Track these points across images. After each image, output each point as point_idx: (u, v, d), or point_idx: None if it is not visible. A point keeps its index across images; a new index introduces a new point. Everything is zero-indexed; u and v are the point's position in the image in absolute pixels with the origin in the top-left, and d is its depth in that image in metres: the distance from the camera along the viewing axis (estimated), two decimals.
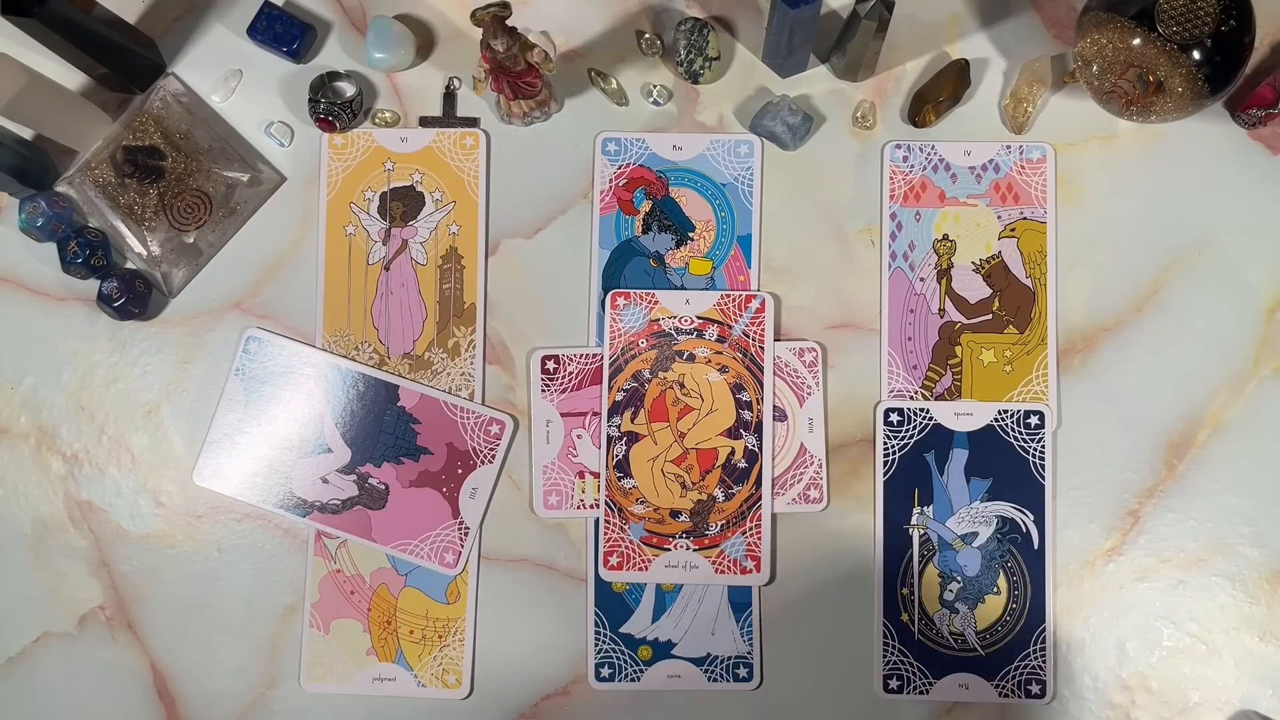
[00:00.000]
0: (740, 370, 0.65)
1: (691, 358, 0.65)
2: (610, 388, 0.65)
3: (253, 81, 0.69)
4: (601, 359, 0.65)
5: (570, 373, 0.66)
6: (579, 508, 0.65)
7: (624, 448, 0.65)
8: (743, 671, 0.64)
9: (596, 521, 0.65)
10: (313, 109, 0.66)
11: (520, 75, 0.63)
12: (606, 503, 0.64)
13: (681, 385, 0.65)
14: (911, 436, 0.65)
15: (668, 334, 0.65)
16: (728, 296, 0.65)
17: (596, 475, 0.65)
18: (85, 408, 0.67)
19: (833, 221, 0.67)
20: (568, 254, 0.67)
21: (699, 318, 0.65)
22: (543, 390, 0.66)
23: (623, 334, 0.65)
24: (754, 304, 0.65)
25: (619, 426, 0.65)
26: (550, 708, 0.64)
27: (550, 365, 0.66)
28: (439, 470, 0.65)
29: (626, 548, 0.64)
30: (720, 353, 0.65)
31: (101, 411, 0.67)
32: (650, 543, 0.64)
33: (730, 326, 0.65)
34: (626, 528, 0.64)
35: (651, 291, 0.65)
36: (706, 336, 0.65)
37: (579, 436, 0.65)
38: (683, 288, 0.66)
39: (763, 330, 0.65)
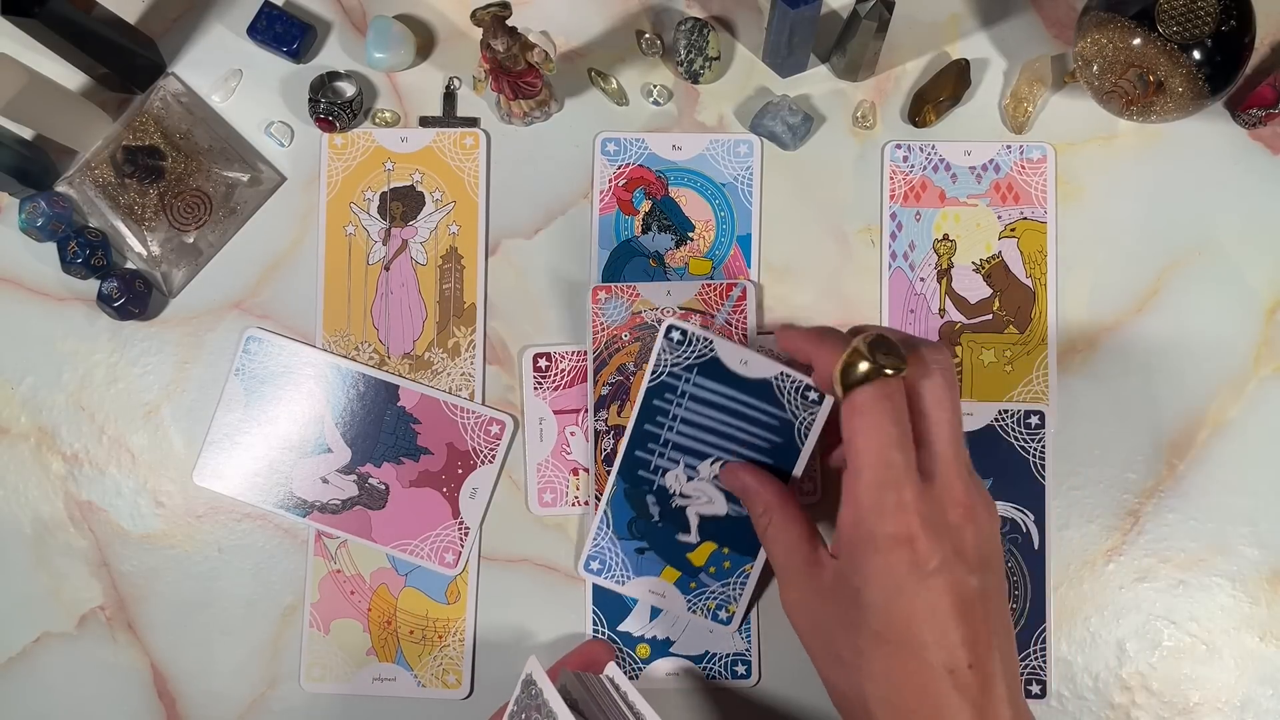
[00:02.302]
0: None
1: None
2: (595, 382, 0.65)
3: (253, 81, 0.69)
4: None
5: (562, 370, 0.66)
6: (573, 504, 0.65)
7: (612, 441, 0.65)
8: (741, 669, 0.64)
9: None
10: (313, 109, 0.67)
11: (520, 75, 0.63)
12: (596, 497, 0.64)
13: None
14: None
15: (651, 326, 0.65)
16: (709, 286, 0.65)
17: (589, 471, 0.65)
18: (85, 408, 0.67)
19: (833, 221, 0.67)
20: (568, 254, 0.67)
21: (681, 308, 0.65)
22: (535, 388, 0.66)
23: (605, 328, 0.65)
24: (735, 292, 0.65)
25: (605, 421, 0.65)
26: None
27: (542, 363, 0.66)
28: (439, 470, 0.66)
29: None
30: None
31: (101, 411, 0.67)
32: None
33: (713, 315, 0.65)
34: None
35: (633, 284, 0.65)
36: None
37: (572, 434, 0.65)
38: None
39: (745, 318, 0.65)
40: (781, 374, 0.55)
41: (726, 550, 0.59)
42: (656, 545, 0.59)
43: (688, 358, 0.57)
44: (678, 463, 0.58)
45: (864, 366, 0.47)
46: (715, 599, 0.59)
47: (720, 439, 0.57)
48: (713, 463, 0.57)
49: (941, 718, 0.45)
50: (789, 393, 0.55)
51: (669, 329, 0.57)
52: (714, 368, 0.56)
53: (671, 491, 0.59)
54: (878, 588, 0.46)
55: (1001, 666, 0.46)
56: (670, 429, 0.57)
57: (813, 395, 0.55)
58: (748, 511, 0.56)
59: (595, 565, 0.59)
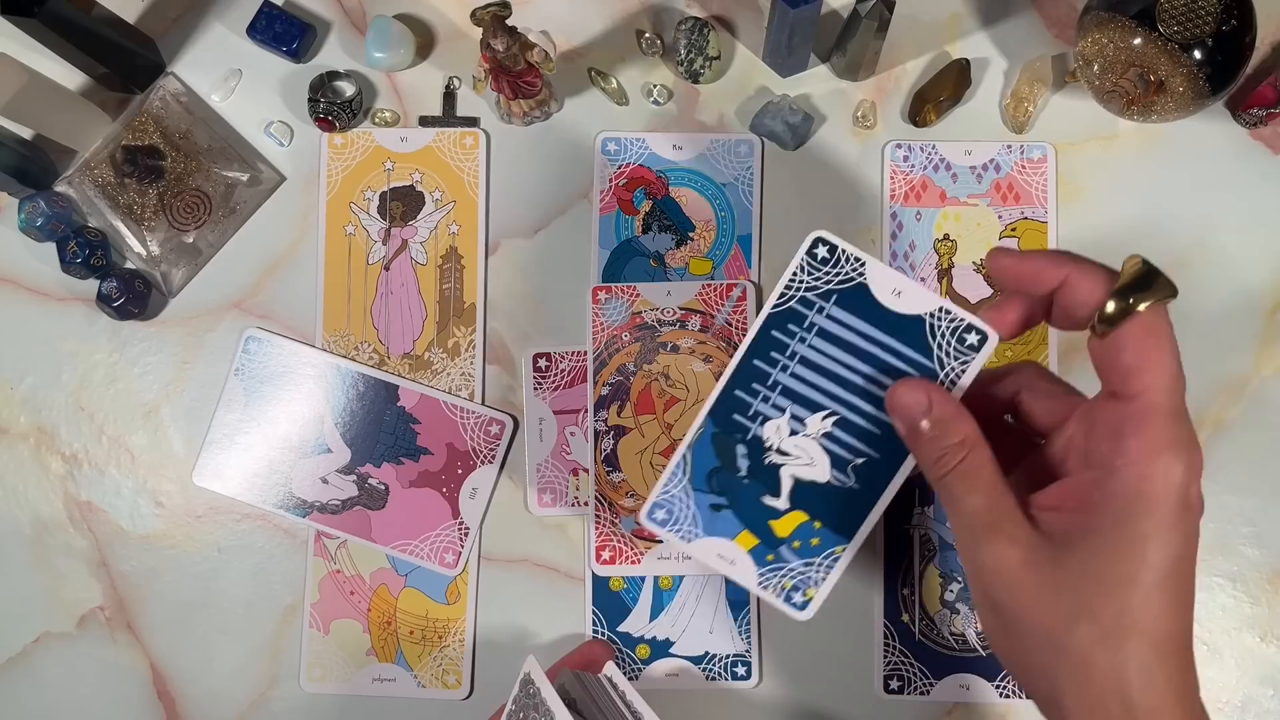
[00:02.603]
0: (724, 359, 0.64)
1: (675, 349, 0.65)
2: (595, 382, 0.65)
3: (252, 81, 0.69)
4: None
5: (562, 370, 0.66)
6: (573, 504, 0.65)
7: (611, 442, 0.65)
8: (741, 670, 0.64)
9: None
10: (312, 109, 0.67)
11: (520, 75, 0.63)
12: (597, 497, 0.64)
13: (667, 377, 0.65)
14: None
15: (650, 326, 0.65)
16: (709, 286, 0.65)
17: (589, 471, 0.65)
18: (85, 408, 0.67)
19: (833, 221, 0.67)
20: (568, 254, 0.67)
21: (681, 309, 0.65)
22: (535, 388, 0.66)
23: (605, 328, 0.65)
24: (735, 292, 0.65)
25: (605, 421, 0.65)
26: None
27: (541, 363, 0.66)
28: (439, 470, 0.65)
29: (618, 542, 0.64)
30: (704, 343, 0.65)
31: (101, 411, 0.67)
32: (642, 535, 0.64)
33: (713, 316, 0.65)
34: (618, 521, 0.64)
35: (633, 285, 0.65)
36: (689, 327, 0.65)
37: (572, 434, 0.65)
38: None
39: (745, 318, 0.65)
40: (940, 309, 0.46)
41: (818, 525, 0.49)
42: (737, 504, 0.49)
43: (829, 281, 0.47)
44: (783, 411, 0.48)
45: (1156, 284, 0.41)
46: (793, 578, 0.49)
47: (841, 388, 0.47)
48: (824, 417, 0.47)
49: (1193, 691, 0.40)
50: (943, 334, 0.46)
51: (816, 242, 0.46)
52: (858, 296, 0.47)
53: (767, 444, 0.48)
54: (1172, 529, 0.39)
55: None
56: (785, 369, 0.47)
57: (972, 338, 0.46)
58: (915, 448, 0.44)
59: (661, 515, 0.50)
